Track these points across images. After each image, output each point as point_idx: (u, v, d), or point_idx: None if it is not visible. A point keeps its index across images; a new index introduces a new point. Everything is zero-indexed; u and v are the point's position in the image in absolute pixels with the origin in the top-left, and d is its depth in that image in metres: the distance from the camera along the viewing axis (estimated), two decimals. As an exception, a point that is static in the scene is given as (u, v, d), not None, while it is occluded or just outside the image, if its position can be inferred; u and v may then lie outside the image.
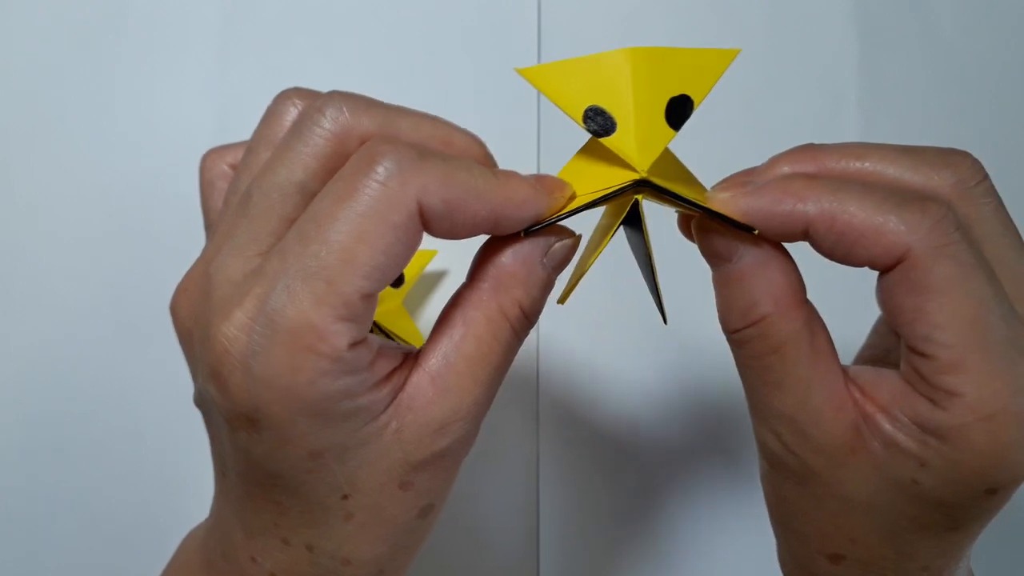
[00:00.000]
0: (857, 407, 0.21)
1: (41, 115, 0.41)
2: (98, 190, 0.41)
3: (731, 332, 0.22)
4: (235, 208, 0.22)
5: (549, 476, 0.40)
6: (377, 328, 0.35)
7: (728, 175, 0.23)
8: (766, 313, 0.21)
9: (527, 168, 0.39)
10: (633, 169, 0.21)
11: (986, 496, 0.20)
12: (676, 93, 0.21)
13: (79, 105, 0.41)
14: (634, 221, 0.22)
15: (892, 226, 0.19)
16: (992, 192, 0.21)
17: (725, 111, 0.42)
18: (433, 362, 0.22)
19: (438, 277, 0.41)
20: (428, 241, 0.42)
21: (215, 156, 0.27)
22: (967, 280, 0.19)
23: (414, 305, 0.41)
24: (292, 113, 0.23)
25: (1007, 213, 0.22)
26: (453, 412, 0.21)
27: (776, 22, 0.43)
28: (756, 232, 0.21)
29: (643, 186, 0.21)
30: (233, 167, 0.27)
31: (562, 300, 0.24)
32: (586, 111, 0.21)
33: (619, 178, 0.22)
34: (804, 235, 0.21)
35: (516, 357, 0.23)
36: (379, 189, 0.19)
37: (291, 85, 0.24)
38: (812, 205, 0.20)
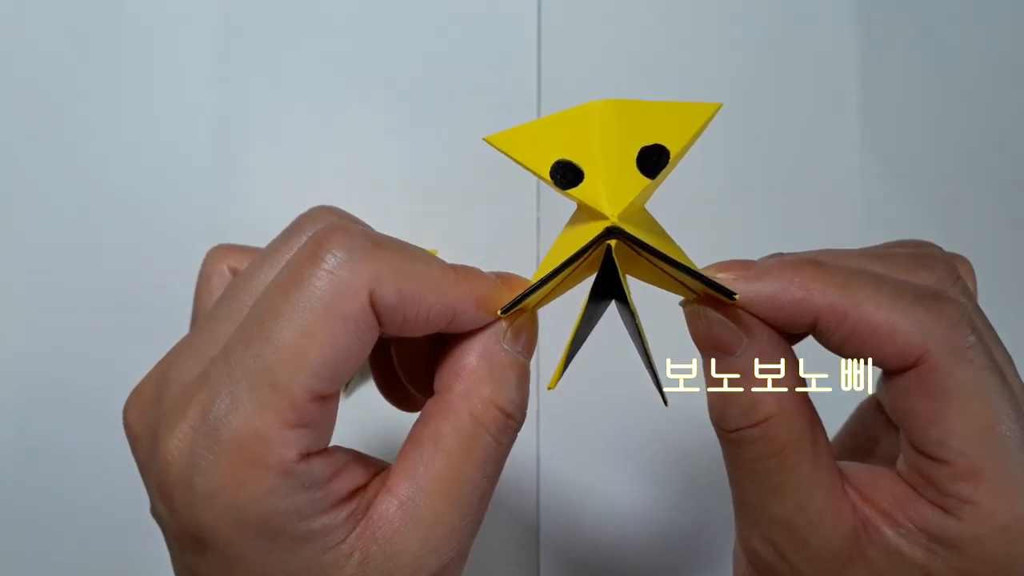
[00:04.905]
0: (856, 512, 0.20)
1: (39, 116, 0.41)
2: (96, 192, 0.41)
3: (728, 431, 0.20)
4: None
5: (549, 476, 0.40)
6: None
7: (721, 260, 0.21)
8: (770, 414, 0.19)
9: (526, 179, 0.38)
10: (603, 217, 0.20)
11: None
12: (649, 143, 0.20)
13: (77, 106, 0.41)
14: (619, 291, 0.20)
15: (909, 326, 0.18)
16: (968, 289, 0.21)
17: (725, 111, 0.42)
18: (401, 485, 0.19)
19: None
20: (428, 239, 0.42)
21: (219, 254, 0.26)
22: (985, 386, 0.18)
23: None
24: (305, 236, 0.20)
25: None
26: (424, 543, 0.19)
27: (776, 22, 0.43)
28: (736, 298, 0.19)
29: (615, 235, 0.19)
30: (234, 272, 0.25)
31: (552, 384, 0.21)
32: (553, 165, 0.20)
33: (591, 234, 0.20)
34: (810, 327, 0.19)
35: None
36: (327, 279, 0.18)
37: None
38: (821, 297, 0.19)
